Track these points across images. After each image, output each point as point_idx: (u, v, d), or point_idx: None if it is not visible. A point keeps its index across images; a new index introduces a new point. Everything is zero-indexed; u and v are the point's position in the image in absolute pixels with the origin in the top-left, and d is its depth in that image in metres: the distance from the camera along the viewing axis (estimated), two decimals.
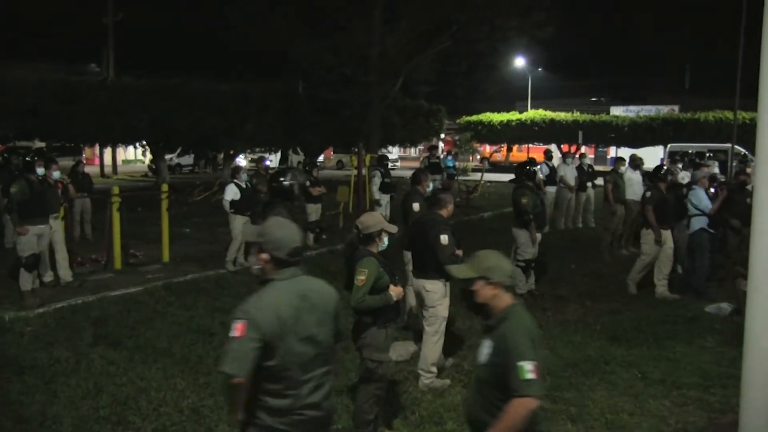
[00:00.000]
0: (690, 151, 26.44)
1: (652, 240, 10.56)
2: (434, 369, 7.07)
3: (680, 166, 15.74)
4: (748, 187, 11.06)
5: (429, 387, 6.98)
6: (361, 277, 5.35)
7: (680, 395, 6.81)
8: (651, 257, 10.68)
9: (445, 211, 7.41)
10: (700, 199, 10.82)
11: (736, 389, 6.31)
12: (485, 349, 3.73)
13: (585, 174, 17.75)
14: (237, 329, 3.45)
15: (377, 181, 16.17)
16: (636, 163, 14.62)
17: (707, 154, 26.04)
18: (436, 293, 7.07)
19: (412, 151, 62.59)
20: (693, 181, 11.41)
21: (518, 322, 3.70)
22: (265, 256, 3.66)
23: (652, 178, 11.29)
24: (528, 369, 3.46)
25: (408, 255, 8.75)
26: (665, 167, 11.67)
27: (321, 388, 3.72)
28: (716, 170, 16.63)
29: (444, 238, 7.06)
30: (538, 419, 3.67)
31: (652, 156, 31.55)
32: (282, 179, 7.90)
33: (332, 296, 3.84)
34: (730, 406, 6.40)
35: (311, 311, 3.65)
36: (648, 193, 10.73)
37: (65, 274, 10.91)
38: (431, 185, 9.66)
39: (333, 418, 3.94)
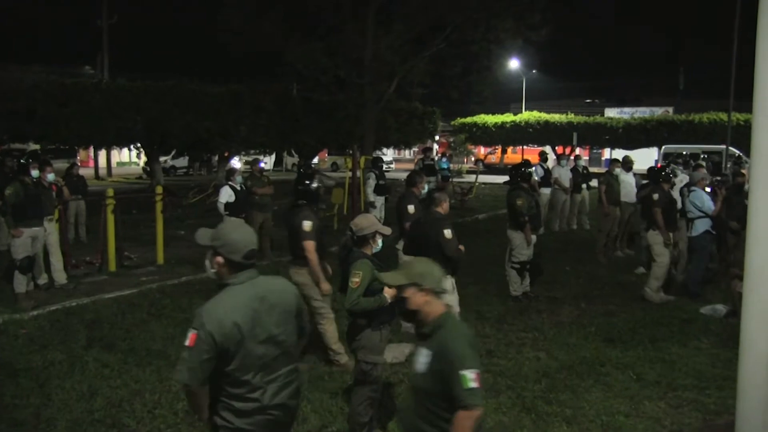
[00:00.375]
0: (684, 153, 26.51)
1: (661, 242, 10.38)
2: None
3: (681, 168, 15.68)
4: (746, 187, 11.04)
5: None
6: (355, 279, 5.35)
7: (675, 397, 6.81)
8: (665, 259, 10.46)
9: (441, 209, 7.54)
10: (704, 200, 10.74)
11: (732, 391, 6.31)
12: (422, 357, 3.62)
13: (580, 176, 17.76)
14: (190, 339, 3.51)
15: (372, 183, 16.17)
16: (629, 165, 14.64)
17: (701, 156, 26.11)
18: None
19: (407, 153, 62.72)
20: (692, 183, 11.31)
21: (456, 329, 3.63)
22: (220, 259, 3.67)
23: (655, 179, 11.14)
24: (471, 378, 3.40)
25: (403, 257, 8.77)
26: (669, 168, 11.60)
27: (288, 387, 3.79)
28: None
29: (448, 232, 7.29)
30: (479, 424, 3.59)
31: (647, 158, 31.65)
32: (308, 182, 7.96)
33: (291, 294, 3.90)
34: (725, 408, 6.40)
35: (270, 312, 3.69)
36: (655, 196, 10.46)
37: (59, 276, 10.88)
38: (426, 187, 9.69)
39: (296, 415, 4.02)
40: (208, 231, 3.77)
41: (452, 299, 7.36)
